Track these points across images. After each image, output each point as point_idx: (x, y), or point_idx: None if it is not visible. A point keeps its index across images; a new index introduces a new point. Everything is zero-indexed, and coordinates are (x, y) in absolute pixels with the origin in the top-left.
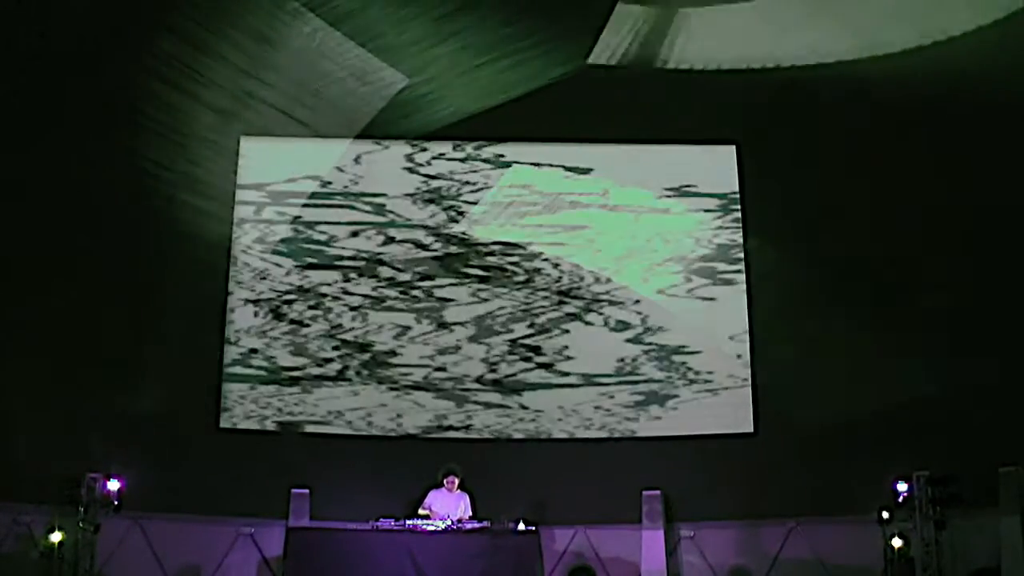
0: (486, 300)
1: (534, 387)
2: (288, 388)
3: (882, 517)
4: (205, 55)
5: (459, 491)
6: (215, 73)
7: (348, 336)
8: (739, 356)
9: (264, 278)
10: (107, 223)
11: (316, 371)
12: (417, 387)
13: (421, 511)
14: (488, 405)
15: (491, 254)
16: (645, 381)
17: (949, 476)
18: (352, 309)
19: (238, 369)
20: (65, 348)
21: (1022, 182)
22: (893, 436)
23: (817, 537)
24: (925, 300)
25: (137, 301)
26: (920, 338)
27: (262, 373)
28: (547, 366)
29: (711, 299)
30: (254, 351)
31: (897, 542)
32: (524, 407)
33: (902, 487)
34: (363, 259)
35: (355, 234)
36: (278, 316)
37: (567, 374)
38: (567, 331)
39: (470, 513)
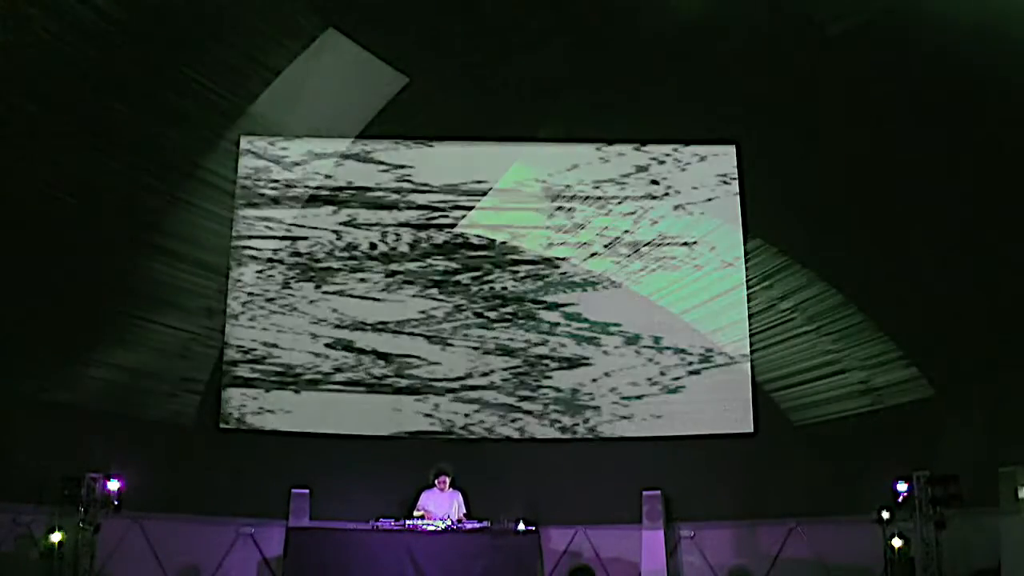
0: (487, 303)
1: (544, 394)
2: (280, 394)
3: (882, 517)
4: (206, 54)
5: (451, 489)
6: (216, 72)
7: (345, 338)
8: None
9: (258, 279)
10: (107, 223)
11: (310, 375)
12: (416, 391)
13: (416, 513)
14: (492, 410)
15: (491, 255)
16: (648, 383)
17: (949, 476)
18: (351, 310)
19: (228, 374)
20: (65, 348)
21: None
22: (893, 436)
23: (817, 537)
24: (925, 299)
25: (137, 301)
26: (920, 337)
27: (254, 378)
28: (553, 370)
29: (711, 299)
30: (246, 354)
31: (897, 542)
32: (529, 412)
33: (902, 487)
34: (359, 258)
35: (352, 232)
36: (271, 317)
37: (568, 378)
38: (571, 332)
39: (464, 511)
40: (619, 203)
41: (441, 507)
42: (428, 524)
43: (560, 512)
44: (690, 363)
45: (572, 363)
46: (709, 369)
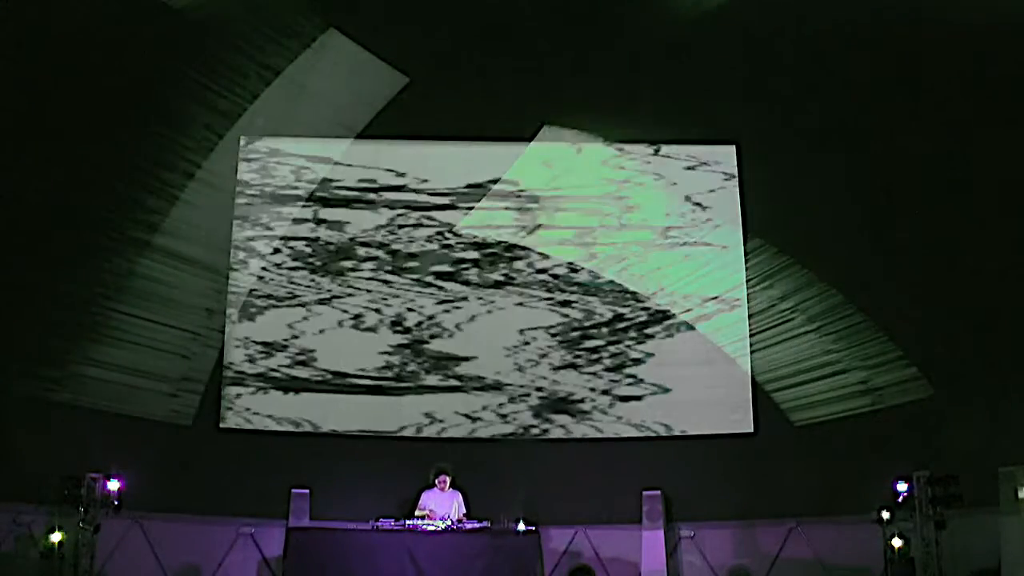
0: (484, 301)
1: (540, 394)
2: (280, 394)
3: (882, 517)
4: (206, 54)
5: (451, 489)
6: (216, 72)
7: (342, 339)
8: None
9: (262, 277)
10: (107, 223)
11: (309, 376)
12: (415, 392)
13: (419, 512)
14: (489, 411)
15: (490, 256)
16: (650, 386)
17: (949, 476)
18: (347, 311)
19: (228, 374)
20: (65, 348)
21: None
22: (893, 436)
23: (817, 537)
24: (925, 299)
25: (138, 301)
26: (920, 337)
27: (253, 378)
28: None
29: (712, 298)
30: (245, 355)
31: (897, 542)
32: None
33: (902, 487)
34: (359, 258)
35: (351, 235)
36: (270, 319)
37: (568, 379)
38: (570, 333)
39: (464, 511)
40: (619, 203)
41: (442, 507)
42: (428, 524)
43: (560, 512)
44: (690, 363)
45: (573, 363)
46: (709, 369)
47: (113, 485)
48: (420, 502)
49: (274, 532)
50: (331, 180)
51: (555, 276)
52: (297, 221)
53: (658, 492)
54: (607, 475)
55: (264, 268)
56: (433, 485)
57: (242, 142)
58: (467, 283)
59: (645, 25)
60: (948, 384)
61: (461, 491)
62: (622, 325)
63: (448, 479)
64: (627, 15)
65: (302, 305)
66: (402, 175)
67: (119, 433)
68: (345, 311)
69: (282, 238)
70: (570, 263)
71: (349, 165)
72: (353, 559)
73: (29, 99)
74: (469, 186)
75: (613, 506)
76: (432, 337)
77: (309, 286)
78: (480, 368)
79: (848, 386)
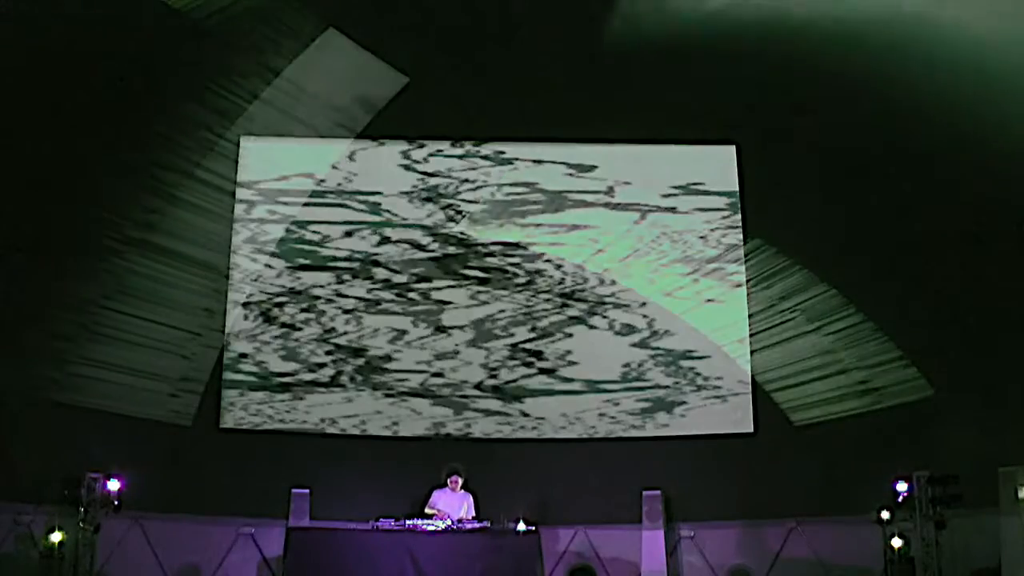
0: (486, 303)
1: (535, 393)
2: (279, 395)
3: (882, 517)
4: (206, 54)
5: (462, 491)
6: (216, 72)
7: (341, 340)
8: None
9: (256, 279)
10: (107, 223)
11: (308, 376)
12: (414, 393)
13: (428, 510)
14: (488, 412)
15: (491, 255)
16: (651, 387)
17: (949, 476)
18: (346, 312)
19: (228, 375)
20: (65, 348)
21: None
22: (893, 436)
23: (817, 537)
24: (925, 299)
25: (137, 301)
26: (920, 337)
27: (252, 379)
28: (549, 371)
29: (711, 299)
30: (244, 355)
31: (897, 542)
32: (525, 414)
33: (902, 487)
34: (358, 260)
35: (349, 234)
36: (269, 319)
37: (570, 380)
38: (570, 335)
39: (473, 514)
40: (619, 201)
41: (451, 507)
42: (428, 524)
43: (560, 512)
44: (690, 363)
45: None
46: (708, 369)
47: (113, 485)
48: (431, 500)
49: (274, 532)
50: (331, 180)
51: (557, 277)
52: (298, 221)
53: (658, 492)
54: (607, 475)
55: (264, 268)
56: (445, 484)
57: (242, 142)
58: (469, 287)
59: (645, 25)
60: (948, 384)
61: (472, 494)
62: (621, 323)
63: (460, 480)
64: (627, 15)
65: (304, 305)
66: (402, 175)
67: (119, 433)
68: (347, 311)
69: (282, 238)
70: (569, 263)
71: (349, 165)
72: (353, 559)
73: (29, 99)
74: (466, 187)
75: (613, 506)
76: (436, 338)
77: (309, 285)
78: (481, 373)
79: (848, 386)
